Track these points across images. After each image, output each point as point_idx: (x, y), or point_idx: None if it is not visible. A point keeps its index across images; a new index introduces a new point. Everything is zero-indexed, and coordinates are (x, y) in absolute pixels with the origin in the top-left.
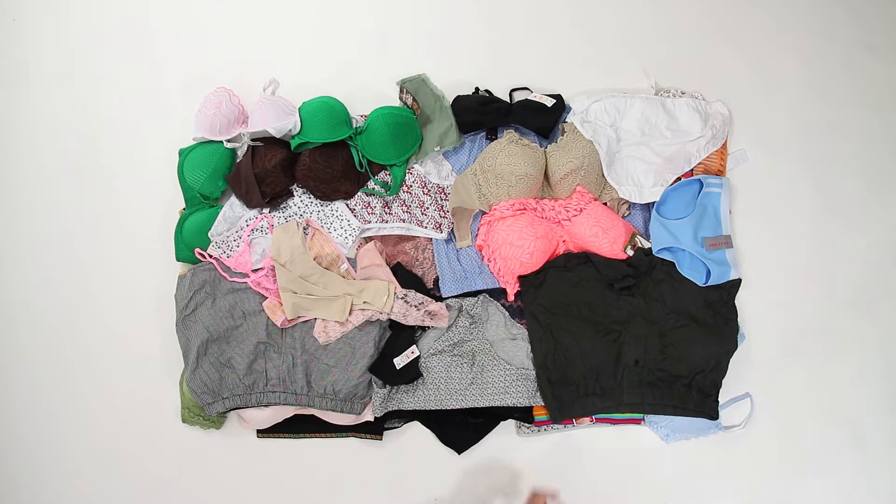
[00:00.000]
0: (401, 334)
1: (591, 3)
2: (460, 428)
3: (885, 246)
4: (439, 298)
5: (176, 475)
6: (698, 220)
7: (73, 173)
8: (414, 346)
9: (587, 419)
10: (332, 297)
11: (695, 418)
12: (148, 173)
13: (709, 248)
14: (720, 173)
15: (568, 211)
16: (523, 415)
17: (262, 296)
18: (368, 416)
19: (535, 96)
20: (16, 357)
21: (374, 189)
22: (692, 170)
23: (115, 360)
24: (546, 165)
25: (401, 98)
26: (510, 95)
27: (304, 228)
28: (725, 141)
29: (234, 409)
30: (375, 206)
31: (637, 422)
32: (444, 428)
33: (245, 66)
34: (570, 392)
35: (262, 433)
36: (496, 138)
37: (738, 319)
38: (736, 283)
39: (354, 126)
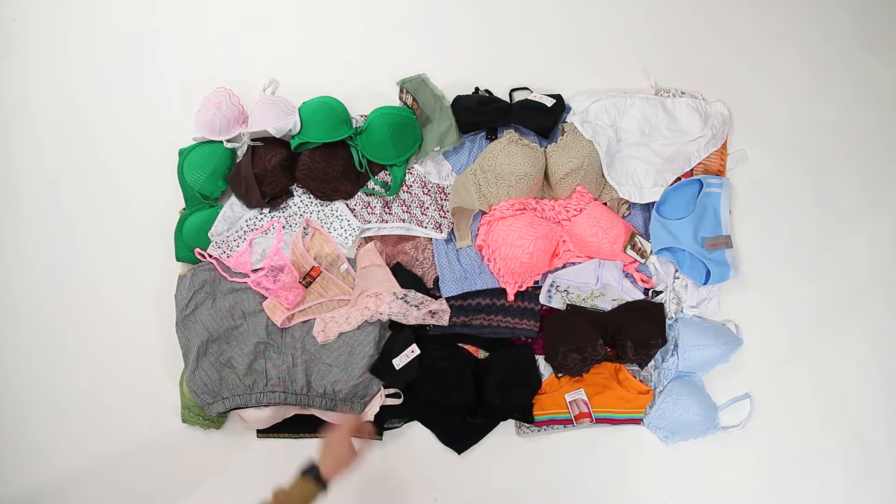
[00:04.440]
0: (400, 334)
1: (591, 3)
2: (460, 428)
3: (884, 245)
4: (439, 298)
5: (176, 475)
6: (698, 220)
7: (73, 173)
8: (414, 345)
9: (587, 419)
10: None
11: (693, 419)
12: (148, 173)
13: (708, 248)
14: (720, 173)
15: (568, 211)
16: (523, 415)
17: (262, 296)
18: (369, 415)
19: (535, 96)
20: (16, 357)
21: (374, 189)
22: (692, 170)
23: (114, 359)
24: (546, 165)
25: (401, 98)
26: (510, 95)
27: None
28: (725, 141)
29: (234, 409)
30: (375, 206)
31: (637, 422)
32: (444, 428)
33: (245, 66)
34: None
35: (262, 433)
36: (496, 138)
37: (737, 322)
38: None
39: (354, 126)
